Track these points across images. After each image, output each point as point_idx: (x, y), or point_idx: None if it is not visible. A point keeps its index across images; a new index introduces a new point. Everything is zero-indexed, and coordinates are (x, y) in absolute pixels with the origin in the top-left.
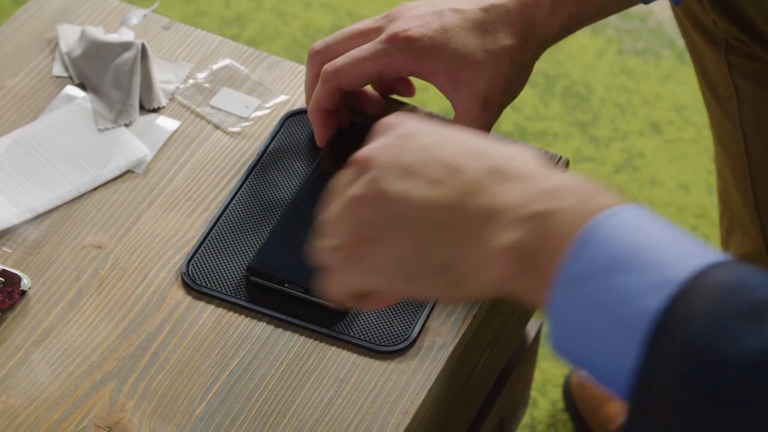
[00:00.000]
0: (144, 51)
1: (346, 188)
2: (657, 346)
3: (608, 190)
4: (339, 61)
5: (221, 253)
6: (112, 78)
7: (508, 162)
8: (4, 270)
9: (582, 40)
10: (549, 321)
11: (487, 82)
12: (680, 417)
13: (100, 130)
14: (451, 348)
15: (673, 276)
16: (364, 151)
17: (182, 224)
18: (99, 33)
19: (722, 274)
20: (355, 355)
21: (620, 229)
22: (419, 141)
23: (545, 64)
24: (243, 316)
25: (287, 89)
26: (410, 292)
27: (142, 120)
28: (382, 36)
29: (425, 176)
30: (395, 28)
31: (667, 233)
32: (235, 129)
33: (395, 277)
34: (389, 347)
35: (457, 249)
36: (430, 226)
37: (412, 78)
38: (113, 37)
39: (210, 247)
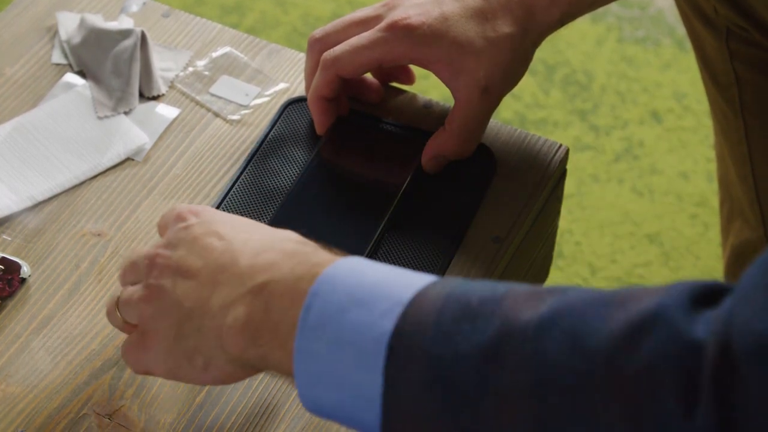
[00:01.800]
0: (144, 39)
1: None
2: (396, 364)
3: (322, 249)
4: (338, 49)
5: None
6: (111, 66)
7: (234, 252)
8: (3, 258)
9: (582, 28)
10: (294, 379)
11: (487, 70)
12: (432, 428)
13: (100, 118)
14: None
15: (400, 298)
16: (151, 250)
17: None
18: (98, 20)
19: (439, 288)
20: None
21: (344, 275)
22: (190, 233)
23: (545, 52)
24: None
25: (287, 77)
26: (176, 378)
27: (141, 108)
28: (382, 24)
29: (186, 270)
30: (395, 16)
31: (387, 270)
32: (235, 117)
33: (164, 365)
34: None
35: (200, 335)
36: (183, 316)
37: (412, 66)
38: (113, 25)
39: None
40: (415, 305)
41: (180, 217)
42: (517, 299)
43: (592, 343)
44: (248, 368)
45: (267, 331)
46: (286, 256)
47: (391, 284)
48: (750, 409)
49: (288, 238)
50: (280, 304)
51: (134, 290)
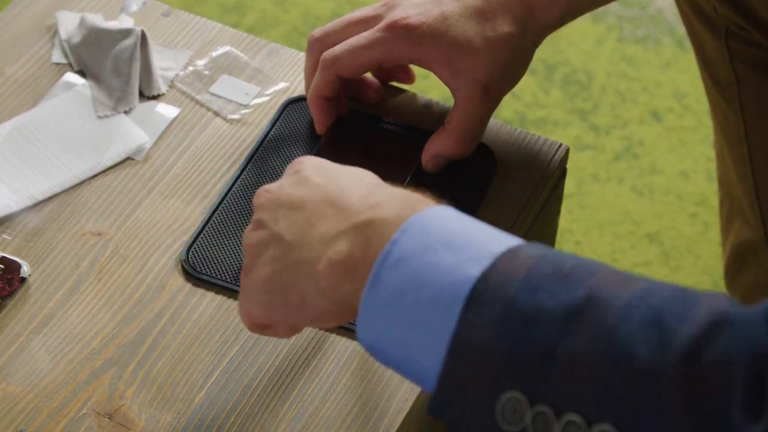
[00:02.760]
0: (144, 38)
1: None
2: (475, 309)
3: (428, 199)
4: (338, 49)
5: (221, 241)
6: (111, 65)
7: (343, 190)
8: (3, 257)
9: (582, 27)
10: (359, 308)
11: (487, 70)
12: (493, 379)
13: (100, 117)
14: None
15: (490, 250)
16: (262, 190)
17: (182, 211)
18: (98, 20)
19: (533, 249)
20: (354, 343)
21: (436, 219)
22: (301, 173)
23: (545, 51)
24: None
25: (287, 76)
26: (272, 318)
27: (141, 107)
28: (381, 24)
29: (291, 203)
30: (394, 15)
31: (484, 225)
32: (235, 116)
33: (261, 300)
34: None
35: (297, 268)
36: (284, 249)
37: (412, 65)
38: (113, 24)
39: (210, 235)
40: (506, 259)
41: (294, 163)
42: (609, 276)
43: (673, 327)
44: (341, 306)
45: (363, 267)
46: (393, 198)
47: (485, 236)
48: None
49: (398, 189)
50: (381, 243)
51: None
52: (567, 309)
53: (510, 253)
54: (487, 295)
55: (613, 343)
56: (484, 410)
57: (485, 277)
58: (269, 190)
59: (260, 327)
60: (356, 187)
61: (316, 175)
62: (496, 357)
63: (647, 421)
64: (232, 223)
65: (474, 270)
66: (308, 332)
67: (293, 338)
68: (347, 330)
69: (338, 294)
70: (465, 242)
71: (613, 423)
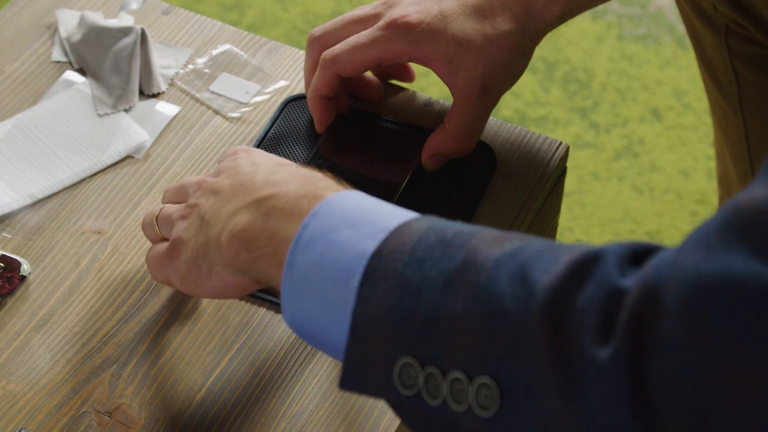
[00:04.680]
0: (144, 36)
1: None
2: (370, 284)
3: (329, 178)
4: (337, 48)
5: None
6: (111, 63)
7: (255, 172)
8: (3, 255)
9: (582, 25)
10: (280, 290)
11: (486, 68)
12: (388, 349)
13: (100, 116)
14: None
15: (386, 226)
16: (201, 177)
17: None
18: (98, 18)
19: (422, 222)
20: None
21: (344, 200)
22: (234, 163)
23: (545, 50)
24: (243, 302)
25: (287, 74)
26: (187, 289)
27: (141, 105)
28: (381, 22)
29: (216, 189)
30: (393, 14)
31: (383, 203)
32: (235, 114)
33: (179, 273)
34: None
35: (207, 241)
36: (202, 227)
37: (412, 63)
38: (113, 22)
39: None
40: (397, 232)
41: (233, 152)
42: (486, 237)
43: (538, 278)
44: (242, 276)
45: (262, 239)
46: (297, 178)
47: (381, 213)
48: (665, 352)
49: (303, 169)
50: (279, 216)
51: (175, 208)
52: (447, 275)
53: (401, 228)
54: (379, 272)
55: (484, 301)
56: (384, 378)
57: (378, 253)
58: (206, 180)
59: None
60: (266, 167)
61: (244, 165)
62: (390, 328)
63: (520, 370)
64: None
65: (370, 246)
66: None
67: (294, 337)
68: None
69: (238, 263)
70: (365, 220)
71: (491, 376)
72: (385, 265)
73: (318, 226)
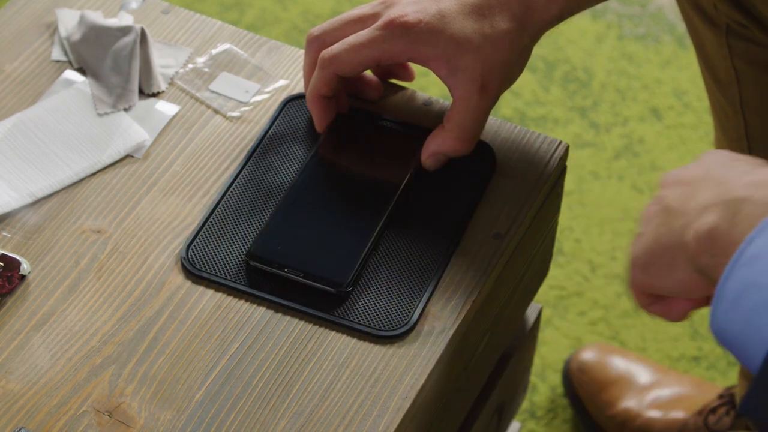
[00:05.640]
0: (143, 35)
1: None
2: None
3: None
4: (336, 47)
5: (221, 238)
6: (111, 62)
7: (728, 167)
8: (3, 255)
9: (582, 24)
10: (714, 298)
11: (485, 67)
12: None
13: (100, 115)
14: (451, 333)
15: None
16: (668, 173)
17: (182, 209)
18: (98, 17)
19: None
20: (354, 340)
21: None
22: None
23: (545, 49)
24: (242, 301)
25: (287, 74)
26: (649, 279)
27: (141, 105)
28: (379, 22)
29: (683, 179)
30: (392, 13)
31: None
32: (235, 114)
33: (642, 260)
34: (389, 332)
35: (672, 232)
36: (667, 216)
37: (411, 63)
38: (112, 22)
39: (209, 232)
40: None
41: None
42: None
43: None
44: (703, 277)
45: (724, 245)
46: None
47: None
48: None
49: None
50: (746, 224)
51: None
52: None
53: None
54: None
55: None
56: None
57: None
58: (673, 173)
59: (647, 297)
60: (740, 164)
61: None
62: None
63: None
64: (232, 221)
65: None
66: (308, 329)
67: (293, 336)
68: (347, 328)
69: (698, 264)
70: None
71: None
72: None
73: (763, 246)
